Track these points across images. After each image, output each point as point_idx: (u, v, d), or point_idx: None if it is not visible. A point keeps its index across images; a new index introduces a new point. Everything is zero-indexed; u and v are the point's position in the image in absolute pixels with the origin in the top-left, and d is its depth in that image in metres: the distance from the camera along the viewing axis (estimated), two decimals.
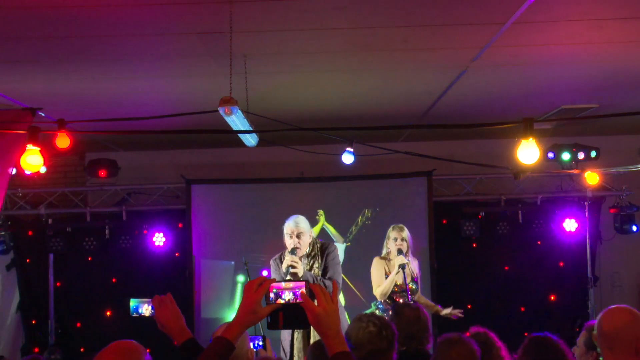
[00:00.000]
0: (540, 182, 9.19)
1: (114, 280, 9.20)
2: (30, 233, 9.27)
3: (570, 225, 9.00)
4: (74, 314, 9.26)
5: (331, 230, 8.89)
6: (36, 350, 8.98)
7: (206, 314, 8.88)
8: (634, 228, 8.88)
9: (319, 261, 6.03)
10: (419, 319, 4.29)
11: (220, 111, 4.77)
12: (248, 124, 5.47)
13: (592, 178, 8.04)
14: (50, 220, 9.03)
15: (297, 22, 4.67)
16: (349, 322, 4.51)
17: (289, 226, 6.02)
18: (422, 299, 6.98)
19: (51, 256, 9.11)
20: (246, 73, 5.48)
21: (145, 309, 3.02)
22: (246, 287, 2.50)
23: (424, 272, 8.34)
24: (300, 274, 5.74)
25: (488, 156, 8.53)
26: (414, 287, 6.57)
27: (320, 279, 5.85)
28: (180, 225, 9.15)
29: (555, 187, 9.23)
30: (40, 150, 5.07)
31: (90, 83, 6.31)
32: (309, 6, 4.37)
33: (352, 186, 8.95)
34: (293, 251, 5.87)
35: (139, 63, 5.67)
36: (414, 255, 6.89)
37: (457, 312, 6.74)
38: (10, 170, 6.50)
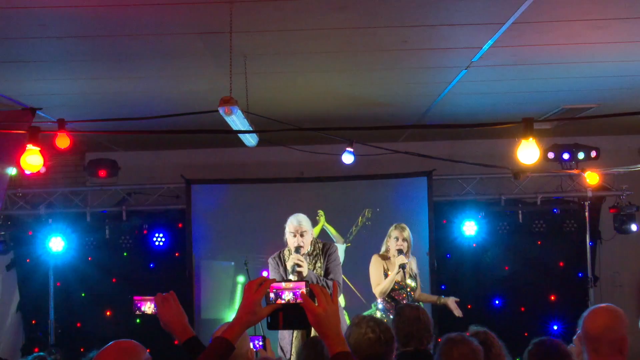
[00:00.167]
0: (540, 182, 9.19)
1: (114, 280, 9.20)
2: (30, 233, 9.26)
3: (569, 225, 8.99)
4: (74, 314, 9.26)
5: (331, 230, 8.88)
6: (36, 350, 8.97)
7: (206, 314, 8.88)
8: (634, 228, 8.88)
9: (321, 261, 6.03)
10: (418, 319, 4.29)
11: (220, 111, 4.77)
12: (248, 124, 5.47)
13: (592, 178, 8.04)
14: (50, 220, 9.04)
15: (297, 22, 4.67)
16: (348, 322, 4.51)
17: (292, 224, 6.00)
18: (423, 295, 7.03)
19: (51, 256, 9.11)
20: (246, 73, 5.48)
21: (148, 307, 3.02)
22: (246, 287, 2.50)
23: (424, 272, 8.35)
24: (304, 273, 5.74)
25: (488, 156, 8.54)
26: (413, 285, 6.58)
27: (323, 279, 5.85)
28: (180, 225, 9.16)
29: (555, 187, 9.23)
30: (40, 150, 5.06)
31: (90, 83, 6.31)
32: (309, 6, 4.37)
33: (352, 186, 8.95)
34: (298, 250, 5.86)
35: (139, 63, 5.67)
36: (413, 253, 6.91)
37: (456, 310, 6.80)
38: (10, 170, 6.49)
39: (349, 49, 5.40)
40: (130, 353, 2.52)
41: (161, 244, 9.10)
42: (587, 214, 9.00)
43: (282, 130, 5.94)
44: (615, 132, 9.41)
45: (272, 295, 2.45)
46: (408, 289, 6.41)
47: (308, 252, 5.97)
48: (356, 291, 8.27)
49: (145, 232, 9.17)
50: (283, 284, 2.46)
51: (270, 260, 6.15)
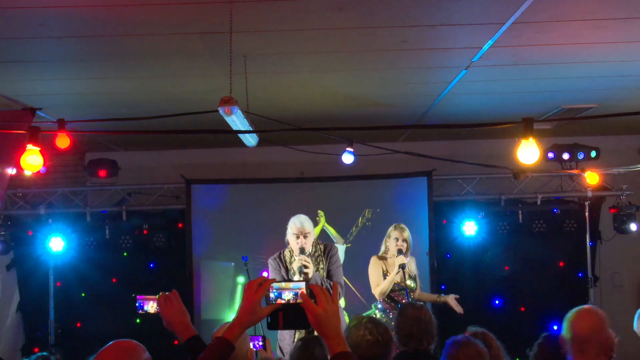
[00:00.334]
0: (540, 182, 9.19)
1: (114, 280, 9.20)
2: (30, 233, 9.26)
3: (569, 225, 8.99)
4: (74, 314, 9.26)
5: (331, 231, 8.88)
6: (36, 350, 8.97)
7: (206, 314, 8.88)
8: (634, 228, 8.88)
9: (324, 262, 6.04)
10: (419, 320, 4.29)
11: (220, 111, 4.77)
12: (248, 124, 5.47)
13: (592, 178, 8.04)
14: (50, 220, 9.04)
15: (297, 22, 4.67)
16: (348, 323, 4.51)
17: (295, 226, 6.01)
18: (423, 295, 7.05)
19: (51, 256, 9.11)
20: (246, 73, 5.48)
21: (151, 306, 3.02)
22: (246, 288, 2.51)
23: (424, 272, 8.35)
24: (310, 275, 5.75)
25: (488, 156, 8.54)
26: (412, 285, 6.58)
27: (327, 281, 5.86)
28: (180, 225, 9.16)
29: (555, 187, 9.23)
30: (40, 150, 5.06)
31: (90, 83, 6.31)
32: (309, 6, 4.36)
33: (352, 186, 8.95)
34: (302, 251, 5.87)
35: (139, 63, 5.66)
36: (413, 254, 6.92)
37: (457, 307, 6.81)
38: (10, 170, 6.49)
39: (349, 49, 5.40)
40: (130, 353, 2.52)
41: (161, 244, 9.10)
42: (587, 214, 9.00)
43: (282, 130, 5.94)
44: (615, 132, 9.41)
45: (272, 295, 2.45)
46: (407, 290, 6.41)
47: (310, 253, 5.98)
48: (356, 292, 8.27)
49: (145, 232, 9.17)
50: (283, 284, 2.46)
51: (270, 260, 6.15)
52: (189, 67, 5.80)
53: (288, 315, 2.44)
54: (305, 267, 5.76)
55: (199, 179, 9.05)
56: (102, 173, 9.11)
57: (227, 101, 4.74)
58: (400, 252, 6.55)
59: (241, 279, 8.86)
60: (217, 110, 4.77)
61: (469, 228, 8.97)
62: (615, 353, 3.23)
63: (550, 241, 9.14)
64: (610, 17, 4.66)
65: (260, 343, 4.45)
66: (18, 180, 8.74)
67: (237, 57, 5.03)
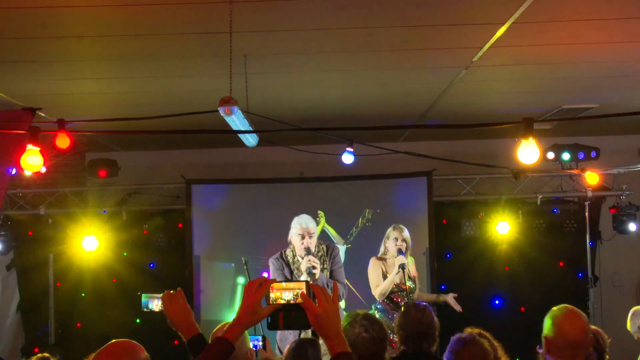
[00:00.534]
0: (540, 182, 9.19)
1: (114, 280, 9.19)
2: (30, 233, 9.26)
3: (569, 225, 8.99)
4: (74, 314, 9.26)
5: (331, 232, 8.88)
6: (36, 350, 8.96)
7: (206, 315, 8.87)
8: (634, 228, 8.87)
9: (327, 263, 6.05)
10: (420, 322, 4.30)
11: (220, 111, 4.77)
12: (248, 124, 5.47)
13: (592, 178, 8.04)
14: (50, 220, 9.03)
15: (298, 22, 4.67)
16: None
17: (300, 226, 6.01)
18: (422, 295, 7.05)
19: (51, 256, 9.10)
20: (246, 73, 5.48)
21: (156, 305, 3.04)
22: (246, 288, 2.50)
23: (424, 272, 8.35)
24: (317, 276, 5.77)
25: (488, 156, 8.54)
26: (412, 286, 6.59)
27: (331, 282, 5.86)
28: (180, 225, 9.15)
29: (555, 187, 9.23)
30: (40, 150, 5.06)
31: (90, 83, 6.31)
32: (309, 6, 4.37)
33: (352, 186, 8.94)
34: (308, 252, 5.87)
35: (139, 63, 5.67)
36: (412, 254, 6.93)
37: (456, 306, 6.82)
38: (10, 170, 6.49)
39: (349, 49, 5.40)
40: (128, 353, 2.52)
41: (161, 244, 9.10)
42: (587, 214, 9.00)
43: (282, 130, 5.94)
44: (615, 132, 9.41)
45: (272, 295, 2.44)
46: (407, 291, 6.41)
47: (314, 254, 5.98)
48: (356, 292, 8.26)
49: (145, 232, 9.17)
50: (283, 284, 2.46)
51: (272, 260, 6.14)
52: (189, 67, 5.80)
53: (288, 316, 2.43)
54: (314, 267, 5.77)
55: (199, 179, 9.05)
56: (102, 173, 9.09)
57: (227, 101, 4.74)
58: (400, 251, 6.55)
59: (241, 280, 8.85)
60: (217, 110, 4.78)
61: (471, 228, 8.97)
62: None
63: (550, 241, 9.13)
64: (610, 17, 4.66)
65: (260, 343, 4.46)
66: (18, 180, 8.73)
67: (237, 57, 5.03)
